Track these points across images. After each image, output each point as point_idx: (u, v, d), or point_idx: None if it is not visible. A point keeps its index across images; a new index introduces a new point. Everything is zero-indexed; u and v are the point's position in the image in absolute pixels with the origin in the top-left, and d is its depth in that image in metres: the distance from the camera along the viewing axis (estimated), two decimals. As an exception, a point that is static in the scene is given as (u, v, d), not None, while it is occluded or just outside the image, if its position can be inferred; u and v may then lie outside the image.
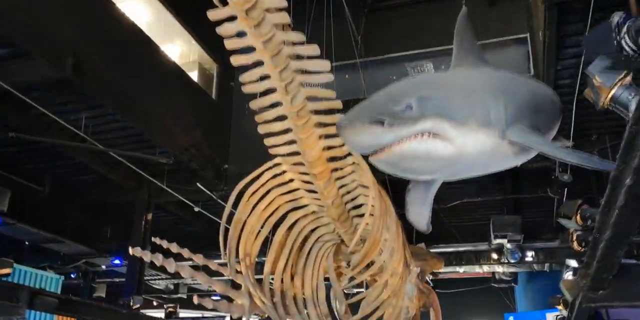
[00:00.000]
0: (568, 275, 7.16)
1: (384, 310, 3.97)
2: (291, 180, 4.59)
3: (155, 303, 19.02)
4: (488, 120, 3.45)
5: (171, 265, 3.46)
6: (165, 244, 3.65)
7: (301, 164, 4.28)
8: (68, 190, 10.61)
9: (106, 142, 7.63)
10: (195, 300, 3.30)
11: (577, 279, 3.59)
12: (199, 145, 8.09)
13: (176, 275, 14.94)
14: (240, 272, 4.01)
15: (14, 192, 9.29)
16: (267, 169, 4.28)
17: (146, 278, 16.34)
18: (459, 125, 3.26)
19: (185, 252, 3.70)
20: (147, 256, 3.48)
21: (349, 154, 4.09)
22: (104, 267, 16.16)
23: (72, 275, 16.89)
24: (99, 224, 12.10)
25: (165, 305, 9.47)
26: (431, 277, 12.87)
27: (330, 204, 4.44)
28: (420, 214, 4.65)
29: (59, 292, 14.01)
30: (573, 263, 5.49)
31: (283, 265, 4.65)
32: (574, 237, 5.54)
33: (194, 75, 9.58)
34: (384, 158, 3.35)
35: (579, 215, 5.39)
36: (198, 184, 7.84)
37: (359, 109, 3.40)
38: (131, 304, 7.85)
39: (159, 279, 16.09)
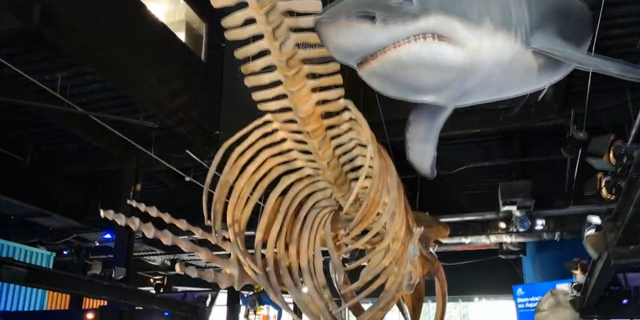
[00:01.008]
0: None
1: (386, 278, 3.81)
2: (283, 140, 4.39)
3: (152, 280, 19.15)
4: (508, 22, 2.85)
5: (150, 230, 3.30)
6: (142, 207, 3.47)
7: (293, 121, 4.06)
8: (51, 160, 10.43)
9: (87, 106, 7.38)
10: (178, 268, 3.14)
11: (604, 234, 3.39)
12: (187, 109, 7.84)
13: (171, 250, 14.90)
14: (229, 240, 3.85)
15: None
16: (256, 127, 4.07)
17: (141, 254, 16.34)
18: (472, 25, 2.66)
19: (166, 217, 3.51)
20: (121, 219, 3.30)
21: (346, 109, 3.87)
22: (97, 243, 16.01)
23: (65, 252, 16.85)
24: (87, 196, 11.93)
25: (152, 278, 9.40)
26: (436, 246, 12.77)
27: (326, 165, 4.25)
28: (424, 154, 4.30)
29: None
30: (595, 219, 5.16)
31: (276, 233, 4.49)
32: (603, 183, 5.06)
33: (181, 36, 9.25)
34: (376, 67, 2.74)
35: (612, 152, 4.82)
36: (187, 151, 7.62)
37: (343, 1, 2.74)
38: (113, 275, 7.77)
39: (153, 255, 16.06)
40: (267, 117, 4.03)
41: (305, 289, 4.29)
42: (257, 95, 3.81)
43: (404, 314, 7.03)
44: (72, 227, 15.18)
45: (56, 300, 16.43)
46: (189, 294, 10.04)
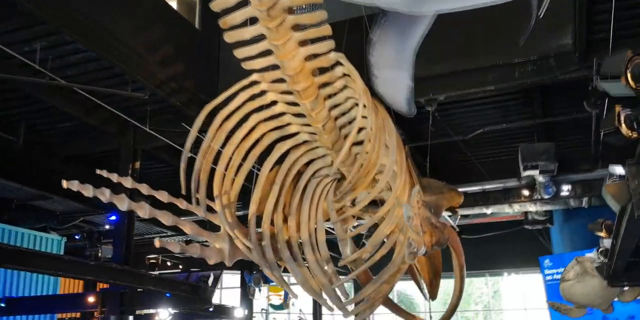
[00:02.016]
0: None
1: (390, 248, 3.60)
2: (274, 103, 4.16)
3: (169, 263, 19.14)
4: None
5: (123, 202, 3.11)
6: (114, 177, 3.29)
7: (282, 80, 3.84)
8: (46, 141, 10.33)
9: (72, 79, 7.17)
10: (157, 243, 2.97)
11: (627, 181, 3.07)
12: (180, 79, 7.60)
13: (183, 232, 14.86)
14: (215, 212, 3.67)
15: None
16: (242, 89, 3.85)
17: (152, 236, 16.35)
18: None
19: (144, 188, 3.34)
20: (88, 191, 3.13)
21: (338, 64, 3.61)
22: (107, 226, 15.92)
23: (77, 237, 16.86)
24: (87, 176, 11.79)
25: (147, 256, 9.38)
26: (457, 217, 12.56)
27: (322, 129, 4.02)
28: (396, 84, 3.90)
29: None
30: (618, 170, 4.73)
31: (273, 204, 4.30)
32: (622, 117, 4.35)
33: (172, 3, 8.97)
34: None
35: (630, 72, 4.10)
36: (183, 124, 7.43)
37: None
38: (99, 254, 7.72)
39: (165, 236, 16.03)
40: (254, 77, 3.80)
41: (305, 264, 4.14)
42: (239, 53, 3.57)
43: (420, 289, 6.88)
44: (78, 210, 15.16)
45: (69, 286, 16.54)
46: (193, 274, 10.02)
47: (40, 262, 6.71)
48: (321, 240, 4.58)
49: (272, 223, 4.20)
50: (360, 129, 3.61)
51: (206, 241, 3.59)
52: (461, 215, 14.21)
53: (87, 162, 11.27)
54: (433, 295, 6.56)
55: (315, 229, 4.51)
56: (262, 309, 19.69)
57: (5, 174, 10.61)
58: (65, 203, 13.86)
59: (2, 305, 9.77)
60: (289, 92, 3.86)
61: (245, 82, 3.79)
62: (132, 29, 6.92)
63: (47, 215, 15.45)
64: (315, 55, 3.52)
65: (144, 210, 3.22)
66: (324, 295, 3.90)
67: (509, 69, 6.32)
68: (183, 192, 3.37)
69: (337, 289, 4.10)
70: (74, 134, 10.19)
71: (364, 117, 3.41)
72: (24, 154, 10.27)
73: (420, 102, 6.74)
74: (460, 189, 11.43)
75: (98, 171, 3.37)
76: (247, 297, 14.69)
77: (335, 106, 3.97)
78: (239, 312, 13.13)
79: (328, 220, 4.48)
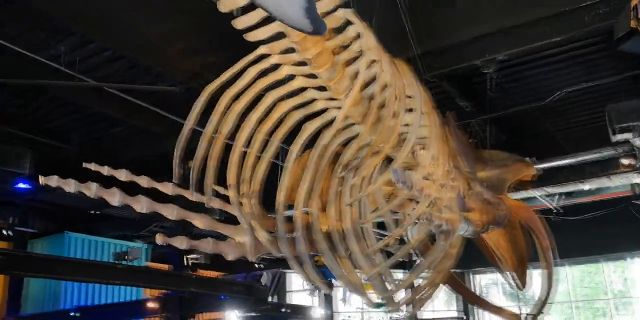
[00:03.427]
0: None
1: (428, 231, 3.23)
2: (291, 77, 3.91)
3: (185, 259, 19.08)
4: None
5: (114, 196, 2.96)
6: (105, 170, 3.16)
7: (292, 50, 3.56)
8: (99, 147, 10.64)
9: (105, 81, 7.25)
10: (159, 239, 2.80)
11: None
12: (214, 67, 7.47)
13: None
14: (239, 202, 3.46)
15: (38, 153, 9.34)
16: (250, 64, 3.60)
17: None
18: None
19: (144, 180, 3.18)
20: (70, 186, 3.04)
21: (349, 23, 3.28)
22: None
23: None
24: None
25: (186, 257, 9.42)
26: (522, 188, 11.65)
27: (345, 100, 3.72)
28: None
29: (146, 262, 14.45)
30: None
31: (306, 191, 4.07)
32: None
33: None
34: None
35: None
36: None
37: None
38: (128, 257, 7.80)
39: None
40: (262, 49, 3.54)
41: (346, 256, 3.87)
42: (238, 22, 3.33)
43: (505, 277, 6.45)
44: (150, 216, 15.59)
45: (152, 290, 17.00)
46: (248, 274, 9.98)
47: (96, 272, 6.84)
48: (368, 229, 4.30)
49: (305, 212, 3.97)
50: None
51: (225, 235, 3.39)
52: (559, 195, 13.29)
53: (141, 166, 11.51)
54: (522, 284, 6.15)
55: (360, 216, 4.25)
56: (358, 308, 19.61)
57: (67, 184, 11.00)
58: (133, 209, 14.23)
59: (77, 315, 10.20)
60: (303, 63, 3.59)
61: (251, 56, 3.54)
62: (151, 18, 6.74)
63: (124, 223, 16.01)
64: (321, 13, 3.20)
65: (140, 204, 3.07)
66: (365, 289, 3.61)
67: (577, 14, 5.65)
68: (175, 180, 3.19)
69: (385, 281, 3.81)
70: (125, 138, 10.42)
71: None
72: (80, 162, 10.61)
73: (476, 64, 6.24)
74: (546, 164, 10.76)
75: (85, 164, 3.25)
76: (328, 297, 14.56)
77: (359, 73, 3.64)
78: (317, 312, 13.01)
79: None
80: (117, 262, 7.12)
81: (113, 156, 10.88)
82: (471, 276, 20.21)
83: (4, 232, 14.31)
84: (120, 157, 10.91)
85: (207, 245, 3.09)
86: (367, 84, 3.69)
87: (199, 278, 7.59)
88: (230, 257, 3.21)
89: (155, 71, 7.11)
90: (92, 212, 14.51)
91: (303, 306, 12.60)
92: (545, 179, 10.94)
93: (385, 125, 3.23)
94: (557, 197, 13.23)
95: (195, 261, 9.06)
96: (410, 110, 3.28)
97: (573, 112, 9.97)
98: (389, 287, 3.61)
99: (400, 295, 3.84)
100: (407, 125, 3.30)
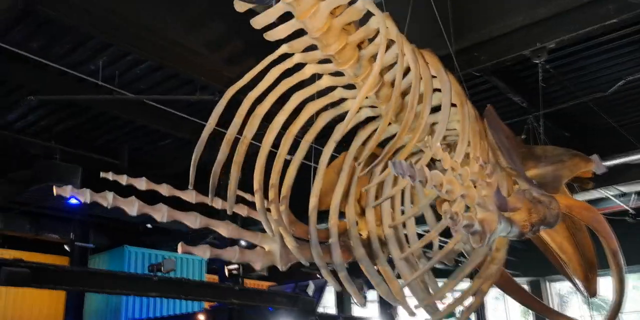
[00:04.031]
0: None
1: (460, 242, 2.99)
2: (319, 77, 3.79)
3: (226, 270, 18.95)
4: None
5: (132, 206, 2.91)
6: (124, 179, 3.12)
7: (315, 47, 3.44)
8: (149, 161, 10.82)
9: (146, 92, 7.35)
10: (180, 250, 2.72)
11: None
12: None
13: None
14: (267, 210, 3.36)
15: (88, 169, 9.57)
16: (272, 64, 3.50)
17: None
18: None
19: (164, 189, 3.12)
20: (85, 196, 2.98)
21: (370, 14, 3.13)
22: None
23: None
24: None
25: (226, 266, 9.36)
26: (583, 186, 10.99)
27: (375, 97, 3.56)
28: None
29: (203, 276, 14.63)
30: None
31: (340, 195, 3.93)
32: None
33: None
34: None
35: None
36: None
37: None
38: (162, 269, 7.79)
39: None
40: (283, 48, 3.45)
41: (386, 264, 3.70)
42: (255, 22, 3.25)
43: (574, 284, 6.11)
44: (208, 229, 15.78)
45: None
46: (290, 285, 9.86)
47: (130, 284, 6.89)
48: (412, 234, 4.12)
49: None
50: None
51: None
52: (635, 194, 12.54)
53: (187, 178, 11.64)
54: (592, 291, 5.80)
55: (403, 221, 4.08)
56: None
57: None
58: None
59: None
60: (329, 60, 3.46)
61: (273, 56, 3.45)
62: (188, 25, 6.75)
63: (180, 236, 16.30)
64: (339, 7, 3.08)
65: (161, 213, 3.01)
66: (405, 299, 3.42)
67: (627, -5, 5.26)
68: (190, 186, 3.11)
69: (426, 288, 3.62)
70: (172, 151, 10.56)
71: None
72: (129, 176, 10.83)
73: (525, 55, 5.90)
74: (615, 161, 10.15)
75: (102, 174, 3.23)
76: (385, 309, 14.25)
77: (386, 68, 3.49)
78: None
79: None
80: (152, 273, 7.20)
81: (161, 169, 11.07)
82: (547, 284, 18.96)
83: (65, 247, 14.91)
84: (169, 169, 11.08)
85: (233, 254, 3.00)
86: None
87: (240, 289, 7.55)
88: (258, 266, 3.10)
89: (196, 81, 7.13)
90: (148, 225, 14.95)
91: (359, 318, 12.36)
92: (615, 177, 10.37)
93: (420, 122, 3.06)
94: (633, 197, 12.51)
95: (235, 272, 9.04)
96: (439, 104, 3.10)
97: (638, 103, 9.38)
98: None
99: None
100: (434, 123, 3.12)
